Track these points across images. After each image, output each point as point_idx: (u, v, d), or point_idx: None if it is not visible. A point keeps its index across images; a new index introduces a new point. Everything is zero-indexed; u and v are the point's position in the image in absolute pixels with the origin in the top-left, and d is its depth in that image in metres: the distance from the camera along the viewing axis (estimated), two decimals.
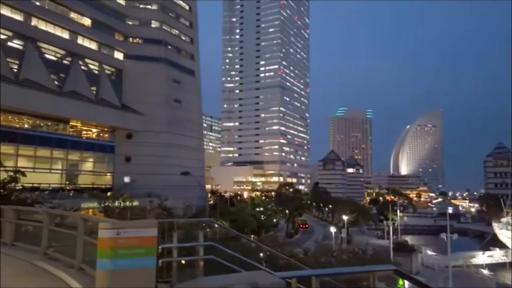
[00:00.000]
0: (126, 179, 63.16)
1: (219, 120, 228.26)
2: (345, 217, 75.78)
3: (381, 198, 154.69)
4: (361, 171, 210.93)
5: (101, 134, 66.95)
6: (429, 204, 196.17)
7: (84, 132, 64.48)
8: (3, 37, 50.77)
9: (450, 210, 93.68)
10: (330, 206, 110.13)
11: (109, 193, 52.73)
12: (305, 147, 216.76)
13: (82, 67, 61.60)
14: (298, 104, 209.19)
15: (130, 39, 71.33)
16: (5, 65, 49.32)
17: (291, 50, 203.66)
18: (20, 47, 52.77)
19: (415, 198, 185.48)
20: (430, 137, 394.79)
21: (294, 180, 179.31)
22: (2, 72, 48.35)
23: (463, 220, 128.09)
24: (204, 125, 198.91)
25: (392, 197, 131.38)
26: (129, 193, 45.81)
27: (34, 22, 54.82)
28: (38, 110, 52.82)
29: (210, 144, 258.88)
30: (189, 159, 74.04)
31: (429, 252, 65.14)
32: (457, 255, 56.27)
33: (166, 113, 71.97)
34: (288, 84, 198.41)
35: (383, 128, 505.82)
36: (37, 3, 55.42)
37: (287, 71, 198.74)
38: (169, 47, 75.36)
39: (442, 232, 44.68)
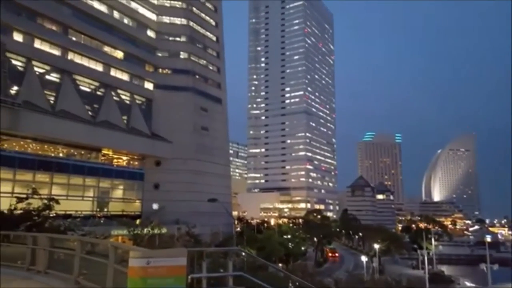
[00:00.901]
0: (155, 206, 63.86)
1: (245, 146, 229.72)
2: (376, 246, 73.15)
3: (413, 225, 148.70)
4: (391, 197, 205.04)
5: (131, 162, 68.61)
6: (465, 232, 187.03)
7: (115, 160, 66.33)
8: (41, 70, 53.84)
9: (488, 238, 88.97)
10: (360, 234, 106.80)
11: (138, 220, 53.40)
12: (333, 173, 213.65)
13: (115, 98, 64.11)
14: (324, 130, 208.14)
15: (160, 70, 73.92)
16: (43, 97, 52.01)
17: (316, 76, 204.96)
18: (57, 80, 55.67)
19: (450, 226, 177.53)
20: (463, 162, 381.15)
21: (322, 207, 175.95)
22: (40, 104, 50.96)
23: (503, 249, 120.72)
24: (231, 151, 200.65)
25: (426, 224, 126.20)
26: (157, 220, 46.16)
27: (70, 56, 57.94)
28: (73, 139, 54.97)
29: (237, 170, 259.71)
30: (216, 186, 74.38)
31: (468, 284, 61.51)
32: (498, 287, 52.83)
33: (194, 141, 73.20)
34: (313, 109, 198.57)
35: (413, 153, 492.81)
36: (74, 38, 58.67)
37: (313, 97, 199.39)
38: (197, 76, 77.52)
39: (481, 262, 42.36)
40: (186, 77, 74.82)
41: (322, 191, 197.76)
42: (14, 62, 50.05)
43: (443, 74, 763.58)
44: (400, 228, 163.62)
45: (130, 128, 64.80)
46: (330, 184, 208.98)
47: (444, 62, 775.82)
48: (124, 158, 67.98)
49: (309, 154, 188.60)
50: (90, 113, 58.97)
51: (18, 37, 51.22)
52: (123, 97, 66.58)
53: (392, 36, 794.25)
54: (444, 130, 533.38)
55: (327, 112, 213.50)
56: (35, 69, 52.60)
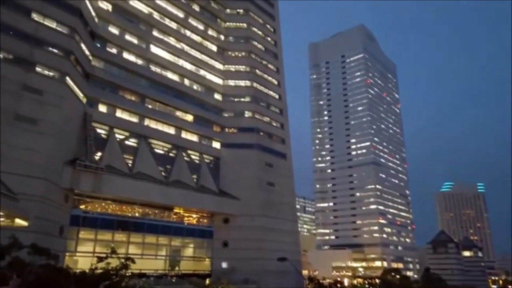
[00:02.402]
0: (224, 265, 63.62)
1: (313, 201, 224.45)
2: None
3: (510, 286, 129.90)
4: (480, 254, 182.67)
5: (201, 220, 70.16)
6: None
7: (185, 218, 68.44)
8: (121, 137, 59.09)
9: None
10: None
11: (208, 280, 53.26)
12: (409, 228, 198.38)
13: (185, 158, 67.65)
14: (396, 181, 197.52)
15: (226, 129, 77.23)
16: (122, 161, 56.51)
17: (382, 126, 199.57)
18: (135, 144, 60.52)
19: None
20: None
21: (400, 265, 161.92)
22: (120, 167, 55.27)
23: None
24: (298, 206, 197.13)
25: None
26: (227, 280, 45.61)
27: (146, 122, 63.22)
28: (148, 199, 58.17)
29: (305, 226, 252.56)
30: (285, 243, 72.60)
31: None
32: None
33: (260, 197, 73.43)
34: (382, 160, 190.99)
35: (500, 204, 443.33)
36: (150, 106, 64.25)
37: (380, 147, 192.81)
38: (261, 133, 79.58)
39: None
40: (251, 135, 77.13)
41: (399, 247, 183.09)
42: (98, 130, 55.74)
43: None
44: None
45: (200, 186, 67.11)
46: (407, 240, 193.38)
47: None
48: (194, 216, 69.84)
49: (381, 207, 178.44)
50: (163, 173, 62.47)
51: (102, 108, 57.46)
52: (193, 156, 69.99)
53: (462, 76, 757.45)
54: None
55: (398, 162, 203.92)
56: (116, 135, 57.93)
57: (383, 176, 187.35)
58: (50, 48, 48.04)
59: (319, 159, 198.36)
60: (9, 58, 43.94)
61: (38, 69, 46.17)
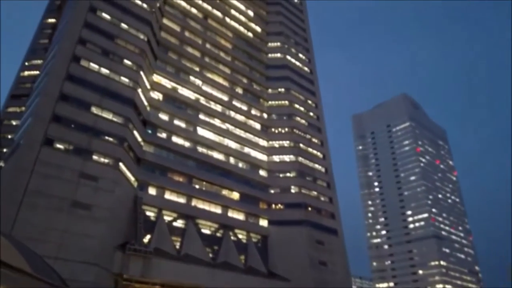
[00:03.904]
0: None
1: (370, 281, 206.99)
2: None
3: None
4: None
5: None
6: None
7: None
8: (169, 218, 59.74)
9: None
10: None
11: None
12: None
13: (232, 238, 66.34)
14: (462, 256, 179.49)
15: (273, 206, 75.99)
16: (170, 243, 56.38)
17: (440, 196, 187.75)
18: (182, 226, 60.69)
19: None
20: None
21: None
22: (168, 250, 54.95)
23: None
24: (354, 287, 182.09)
25: None
26: None
27: (194, 202, 63.92)
28: (196, 283, 56.30)
29: None
30: None
31: None
32: None
33: (312, 277, 68.79)
34: (444, 233, 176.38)
35: None
36: (197, 186, 65.46)
37: (440, 219, 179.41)
38: (310, 209, 77.24)
39: None
40: (298, 211, 75.05)
41: None
42: (148, 213, 56.93)
43: None
44: None
45: (248, 267, 64.50)
46: None
47: None
48: None
49: (448, 286, 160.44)
50: (210, 254, 61.19)
51: (152, 191, 59.27)
52: (240, 236, 68.54)
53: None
54: None
55: (461, 235, 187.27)
56: (165, 217, 58.71)
57: (447, 250, 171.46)
58: (106, 137, 51.81)
59: (374, 234, 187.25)
60: (70, 149, 47.71)
61: (94, 157, 49.46)
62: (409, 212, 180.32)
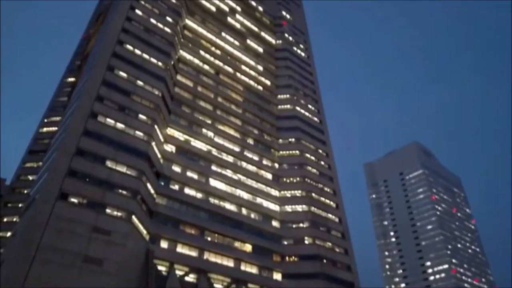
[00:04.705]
0: None
1: None
2: None
3: None
4: None
5: None
6: None
7: None
8: (181, 272, 58.30)
9: None
10: None
11: None
12: None
13: None
14: None
15: (287, 258, 73.87)
16: None
17: (459, 245, 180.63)
18: (194, 280, 59.02)
19: None
20: None
21: None
22: None
23: None
24: None
25: None
26: None
27: (206, 255, 62.61)
28: None
29: None
30: None
31: None
32: None
33: None
34: (467, 286, 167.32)
35: None
36: (209, 239, 64.48)
37: (462, 270, 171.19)
38: (324, 260, 74.84)
39: None
40: (313, 263, 72.71)
41: None
42: (159, 267, 55.78)
43: None
44: None
45: None
46: None
47: None
48: None
49: None
50: None
51: (164, 244, 58.49)
52: None
53: None
54: None
55: (485, 287, 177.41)
56: (176, 271, 57.36)
57: None
58: (120, 190, 52.33)
59: (392, 287, 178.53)
60: (84, 202, 48.17)
61: (108, 210, 49.71)
62: (428, 263, 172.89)
